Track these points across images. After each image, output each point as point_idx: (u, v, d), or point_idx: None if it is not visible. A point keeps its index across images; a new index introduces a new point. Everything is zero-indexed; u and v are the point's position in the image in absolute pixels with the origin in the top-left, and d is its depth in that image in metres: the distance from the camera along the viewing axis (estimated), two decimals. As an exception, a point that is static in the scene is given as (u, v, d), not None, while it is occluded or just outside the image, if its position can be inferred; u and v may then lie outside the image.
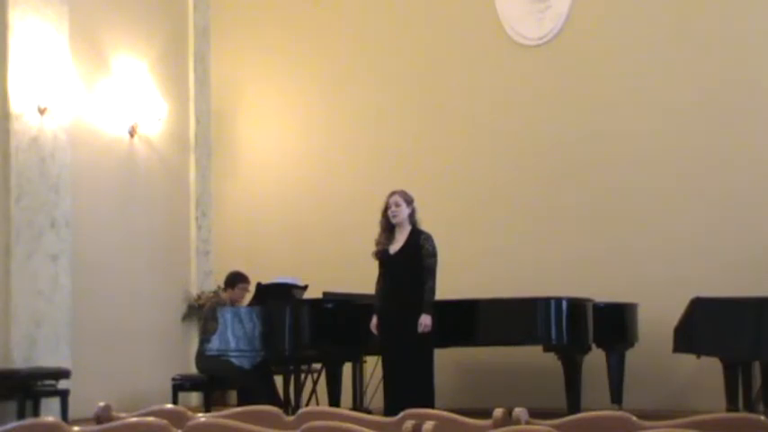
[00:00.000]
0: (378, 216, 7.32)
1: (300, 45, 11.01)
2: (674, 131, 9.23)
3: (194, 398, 10.03)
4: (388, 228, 7.27)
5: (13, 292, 8.57)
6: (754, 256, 8.72)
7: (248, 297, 8.58)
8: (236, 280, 8.69)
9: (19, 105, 8.73)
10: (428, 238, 7.24)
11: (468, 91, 10.15)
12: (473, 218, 9.90)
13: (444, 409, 4.21)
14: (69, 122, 9.17)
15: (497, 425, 3.65)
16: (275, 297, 8.08)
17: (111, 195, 9.96)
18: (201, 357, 8.36)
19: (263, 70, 11.24)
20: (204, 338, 8.28)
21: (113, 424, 3.91)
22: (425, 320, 7.04)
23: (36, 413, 8.08)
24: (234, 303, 8.58)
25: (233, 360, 7.85)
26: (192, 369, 8.74)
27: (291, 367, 8.24)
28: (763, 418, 3.67)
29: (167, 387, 8.50)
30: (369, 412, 7.19)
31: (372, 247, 7.31)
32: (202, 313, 9.00)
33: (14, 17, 8.74)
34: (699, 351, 7.44)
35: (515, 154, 9.86)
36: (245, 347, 7.80)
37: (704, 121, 9.12)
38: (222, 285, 9.11)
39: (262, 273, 8.68)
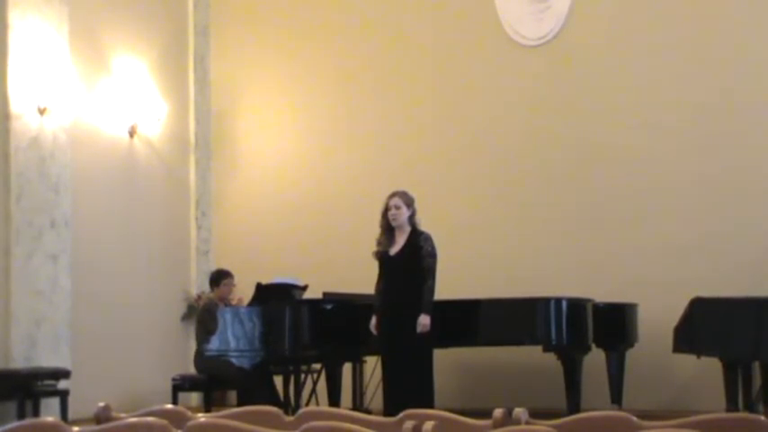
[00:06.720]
0: (378, 216, 7.32)
1: (301, 45, 11.01)
2: (674, 131, 9.22)
3: (194, 398, 10.04)
4: (389, 229, 7.26)
5: (13, 292, 8.57)
6: (754, 256, 8.72)
7: (236, 291, 8.80)
8: (219, 277, 8.83)
9: (19, 105, 8.73)
10: (427, 238, 7.22)
11: (467, 91, 10.14)
12: (473, 218, 9.89)
13: (444, 409, 4.21)
14: (69, 122, 9.17)
15: (497, 425, 3.65)
16: (275, 297, 8.08)
17: (111, 195, 9.96)
18: (200, 357, 8.36)
19: (263, 70, 11.23)
20: (203, 339, 8.29)
21: (113, 424, 3.91)
22: (424, 320, 7.03)
23: (36, 413, 8.08)
24: (223, 300, 8.66)
25: (233, 360, 7.85)
26: (192, 369, 8.75)
27: (291, 367, 8.25)
28: (763, 418, 3.67)
29: (167, 387, 8.51)
30: (369, 412, 7.19)
31: (372, 248, 7.30)
32: (196, 318, 9.05)
33: (14, 17, 8.74)
34: (699, 351, 7.43)
35: (515, 154, 9.85)
36: (244, 347, 7.80)
37: (704, 121, 9.11)
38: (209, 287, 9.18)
39: (262, 273, 8.69)
